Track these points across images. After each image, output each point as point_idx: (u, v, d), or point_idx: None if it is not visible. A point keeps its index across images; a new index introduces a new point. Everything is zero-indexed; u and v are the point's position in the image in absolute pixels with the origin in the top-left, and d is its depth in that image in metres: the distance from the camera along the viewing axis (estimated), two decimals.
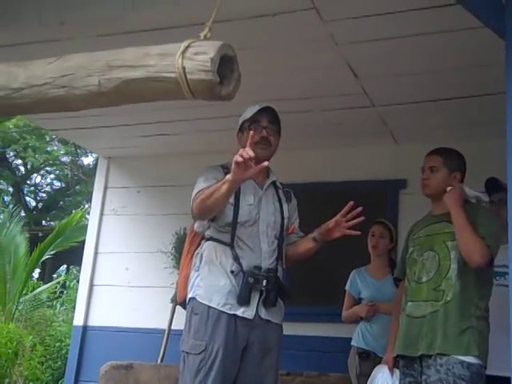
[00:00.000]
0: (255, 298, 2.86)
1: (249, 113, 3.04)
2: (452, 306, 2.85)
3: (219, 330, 2.80)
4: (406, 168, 5.05)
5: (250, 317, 2.84)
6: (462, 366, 2.74)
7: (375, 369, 3.55)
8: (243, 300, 2.83)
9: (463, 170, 3.15)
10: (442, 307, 2.86)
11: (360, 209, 2.91)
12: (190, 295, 2.93)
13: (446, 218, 2.99)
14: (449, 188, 3.02)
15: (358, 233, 2.92)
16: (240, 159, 2.56)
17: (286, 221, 3.08)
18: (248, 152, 2.57)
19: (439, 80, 4.00)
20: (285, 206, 3.11)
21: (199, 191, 2.87)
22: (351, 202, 2.92)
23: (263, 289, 2.86)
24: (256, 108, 3.02)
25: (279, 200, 3.11)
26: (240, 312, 2.83)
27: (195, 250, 3.08)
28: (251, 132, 2.76)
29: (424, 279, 2.99)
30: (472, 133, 4.67)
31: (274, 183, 3.13)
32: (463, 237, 2.86)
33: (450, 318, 2.83)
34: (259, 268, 2.88)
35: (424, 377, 2.84)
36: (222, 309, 2.82)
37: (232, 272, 2.86)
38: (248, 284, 2.83)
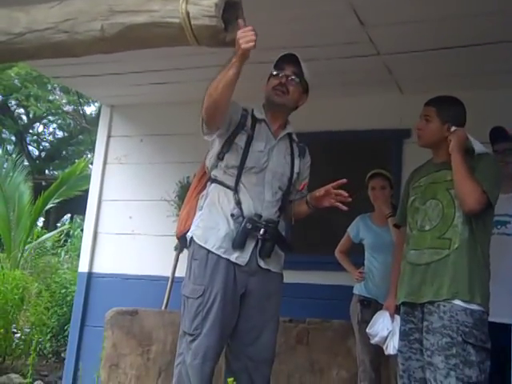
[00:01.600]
0: (250, 245, 2.88)
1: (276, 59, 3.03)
2: (459, 254, 2.84)
3: (218, 275, 2.83)
4: (410, 117, 4.94)
5: (243, 263, 2.87)
6: (466, 313, 2.76)
7: (376, 314, 3.60)
8: (237, 244, 2.85)
9: (460, 121, 3.07)
10: (450, 255, 2.85)
11: (348, 197, 2.87)
12: (189, 234, 2.98)
13: (447, 166, 2.97)
14: (453, 128, 2.99)
15: (345, 208, 2.88)
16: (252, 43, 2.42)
17: (295, 175, 3.07)
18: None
19: (447, 27, 3.93)
20: (296, 161, 3.09)
21: None
22: (344, 180, 2.88)
23: (260, 237, 2.87)
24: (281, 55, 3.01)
25: (292, 153, 3.09)
26: (233, 257, 2.86)
27: (201, 189, 3.09)
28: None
29: (427, 227, 2.96)
30: (479, 82, 4.61)
31: (289, 135, 3.12)
32: (459, 181, 2.85)
33: (458, 265, 2.82)
34: (259, 216, 2.89)
35: (425, 323, 2.85)
36: (216, 252, 2.85)
37: (232, 216, 2.88)
38: (245, 229, 2.84)
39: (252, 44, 2.41)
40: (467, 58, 4.34)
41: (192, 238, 2.94)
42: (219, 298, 2.82)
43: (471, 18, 3.77)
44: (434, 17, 3.81)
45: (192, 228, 2.97)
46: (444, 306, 2.79)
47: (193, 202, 3.09)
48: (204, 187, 3.08)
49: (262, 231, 2.87)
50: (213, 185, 2.99)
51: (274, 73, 3.01)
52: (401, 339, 3.02)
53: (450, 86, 4.29)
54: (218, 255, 2.86)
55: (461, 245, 2.84)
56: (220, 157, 2.95)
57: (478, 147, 2.98)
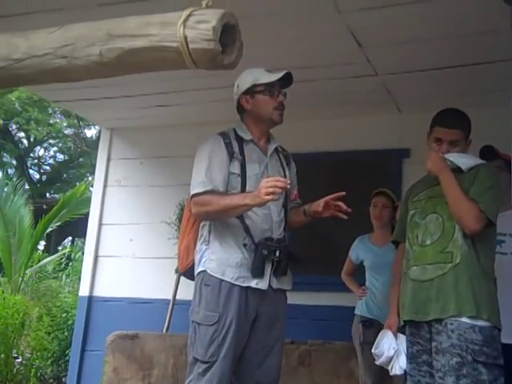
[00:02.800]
0: (268, 269, 2.87)
1: (264, 77, 2.95)
2: (462, 268, 2.75)
3: (232, 302, 2.81)
4: (409, 137, 5.04)
5: (264, 288, 2.85)
6: (474, 331, 2.66)
7: (380, 334, 3.54)
8: (258, 272, 2.83)
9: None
10: (452, 269, 2.77)
11: (348, 209, 2.88)
12: (200, 268, 2.91)
13: None
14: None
15: (346, 217, 2.88)
16: (278, 190, 2.67)
17: (289, 187, 3.00)
18: (286, 183, 2.70)
19: (444, 47, 3.96)
20: (287, 171, 3.09)
21: (202, 192, 2.82)
22: (342, 193, 2.87)
23: (276, 259, 2.86)
24: (273, 76, 2.94)
25: (282, 165, 3.08)
26: (254, 284, 2.84)
27: (195, 220, 3.05)
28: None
29: (428, 242, 2.88)
30: (478, 100, 4.63)
31: (275, 148, 3.09)
32: (451, 204, 2.80)
33: (461, 280, 2.74)
34: (271, 239, 2.87)
35: (434, 343, 2.76)
36: (235, 282, 2.82)
37: (245, 245, 2.85)
38: (262, 256, 2.83)
39: (270, 198, 2.64)
40: (465, 77, 4.36)
41: (205, 271, 2.89)
42: (234, 325, 2.79)
43: (467, 37, 3.80)
44: (430, 37, 3.84)
45: (203, 261, 2.91)
46: (451, 324, 2.70)
47: (190, 235, 3.06)
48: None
49: (277, 253, 2.86)
50: None
51: (273, 92, 2.95)
52: (409, 362, 2.93)
53: (448, 105, 4.31)
54: (234, 284, 2.83)
55: (462, 258, 2.77)
56: None
57: (466, 162, 2.91)
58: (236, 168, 2.90)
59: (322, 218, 2.98)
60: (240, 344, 2.84)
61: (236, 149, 2.94)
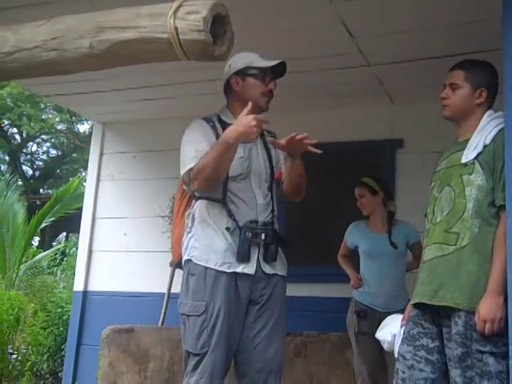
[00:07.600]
0: (255, 253, 2.81)
1: (258, 62, 2.94)
2: (468, 253, 2.46)
3: (219, 289, 2.76)
4: (402, 127, 5.05)
5: (251, 272, 2.80)
6: None
7: (388, 317, 3.35)
8: (243, 256, 2.78)
9: (492, 87, 2.67)
10: (456, 252, 2.48)
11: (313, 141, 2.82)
12: (185, 257, 2.89)
13: (465, 146, 2.57)
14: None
15: (319, 151, 2.80)
16: (256, 127, 2.64)
17: (275, 169, 3.01)
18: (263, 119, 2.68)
19: (436, 37, 3.96)
20: (272, 153, 3.04)
21: (192, 168, 2.77)
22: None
23: (262, 243, 2.81)
24: (267, 62, 2.93)
25: (267, 148, 3.03)
26: (240, 269, 2.79)
27: (185, 208, 3.04)
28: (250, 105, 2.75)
29: (438, 219, 2.59)
30: None
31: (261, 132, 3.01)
32: None
33: (464, 266, 2.45)
34: (256, 222, 2.82)
35: (445, 329, 2.49)
36: (219, 268, 2.78)
37: (228, 229, 2.81)
38: (246, 239, 2.78)
39: (254, 137, 2.66)
40: None
41: (190, 260, 2.86)
42: (223, 312, 2.74)
43: (458, 27, 3.80)
44: (422, 27, 3.83)
45: (188, 251, 2.88)
46: (459, 310, 2.42)
47: (181, 226, 3.02)
48: (187, 207, 3.02)
49: (263, 236, 2.80)
50: (198, 201, 2.91)
51: (265, 78, 2.93)
52: (406, 344, 2.60)
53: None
54: (219, 270, 2.78)
55: (470, 243, 2.46)
56: None
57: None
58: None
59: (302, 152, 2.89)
60: (233, 332, 2.78)
61: (220, 132, 2.88)
